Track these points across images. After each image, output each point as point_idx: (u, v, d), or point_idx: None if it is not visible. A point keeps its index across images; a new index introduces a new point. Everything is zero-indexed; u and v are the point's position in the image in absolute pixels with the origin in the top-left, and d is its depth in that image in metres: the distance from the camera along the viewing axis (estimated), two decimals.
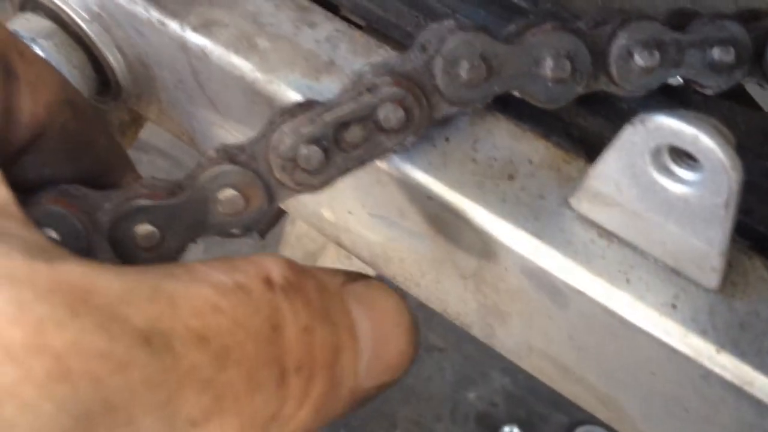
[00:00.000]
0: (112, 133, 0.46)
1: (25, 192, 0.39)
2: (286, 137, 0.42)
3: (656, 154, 0.40)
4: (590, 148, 0.50)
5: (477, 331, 0.55)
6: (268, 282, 0.31)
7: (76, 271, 0.26)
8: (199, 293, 0.29)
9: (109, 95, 0.60)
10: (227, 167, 0.41)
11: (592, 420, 1.64)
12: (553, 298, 0.47)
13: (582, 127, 0.50)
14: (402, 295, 0.37)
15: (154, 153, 1.84)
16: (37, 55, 0.40)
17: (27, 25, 0.56)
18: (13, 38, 0.38)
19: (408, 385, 1.72)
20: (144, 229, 0.40)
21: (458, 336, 1.75)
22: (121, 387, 0.25)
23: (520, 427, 1.65)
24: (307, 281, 0.32)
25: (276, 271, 0.31)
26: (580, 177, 0.46)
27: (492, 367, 1.72)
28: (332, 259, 1.29)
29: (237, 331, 0.29)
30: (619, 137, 0.40)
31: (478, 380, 1.71)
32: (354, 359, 0.33)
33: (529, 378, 1.73)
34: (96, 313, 0.26)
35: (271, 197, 0.43)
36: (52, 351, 0.24)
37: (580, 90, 0.47)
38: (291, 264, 0.32)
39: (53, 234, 0.37)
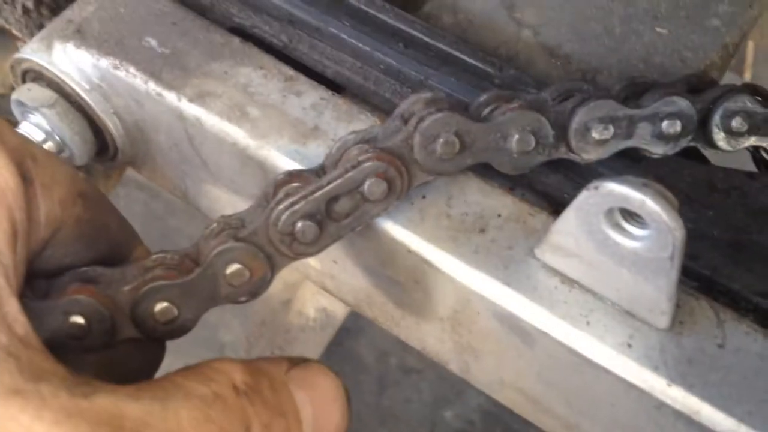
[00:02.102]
0: (119, 212, 0.50)
1: (46, 278, 0.44)
2: (283, 215, 0.47)
3: (609, 214, 0.45)
4: (552, 201, 0.56)
5: (454, 367, 0.60)
6: (236, 388, 0.38)
7: (108, 402, 0.33)
8: (194, 407, 0.36)
9: (107, 156, 0.65)
10: (232, 244, 0.46)
11: None
12: (521, 339, 0.52)
13: (544, 183, 0.55)
14: (336, 373, 0.44)
15: (131, 186, 1.88)
16: (47, 154, 0.43)
17: (30, 95, 0.60)
18: (26, 144, 0.41)
19: (386, 407, 1.77)
20: (162, 306, 0.45)
21: None
22: None
23: None
24: (261, 381, 0.39)
25: (238, 377, 0.38)
26: (544, 229, 0.51)
27: (468, 386, 1.76)
28: (311, 291, 1.33)
29: None
30: (577, 199, 0.46)
31: (455, 400, 1.76)
32: None
33: None
34: None
35: (272, 267, 0.48)
36: None
37: (542, 159, 0.53)
38: (246, 366, 0.39)
39: (80, 320, 0.42)
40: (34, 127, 0.61)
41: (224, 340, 1.83)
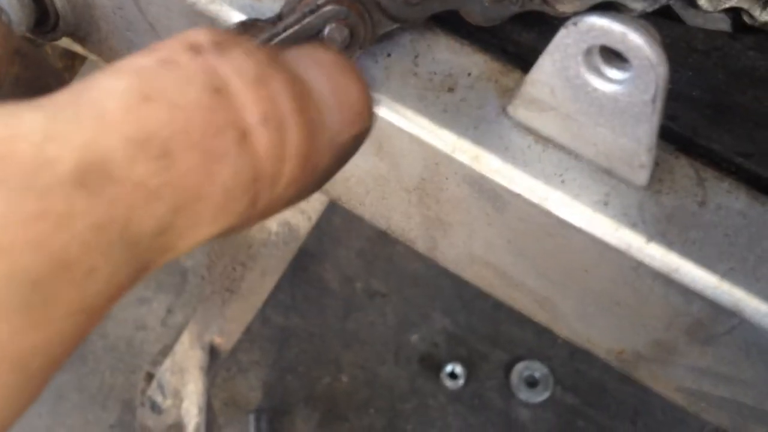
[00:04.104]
0: (61, 74, 0.45)
1: None
2: None
3: (588, 56, 0.42)
4: (525, 63, 0.52)
5: (420, 246, 0.57)
6: (195, 48, 0.27)
7: None
8: (125, 87, 0.26)
9: (48, 26, 0.60)
10: None
11: (530, 355, 1.70)
12: (492, 204, 0.49)
13: (517, 42, 0.52)
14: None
15: None
16: None
17: None
18: None
19: (351, 331, 1.75)
20: None
21: (399, 281, 1.79)
22: (68, 242, 0.24)
23: (462, 365, 1.69)
24: (240, 39, 0.29)
25: (202, 36, 0.28)
26: (517, 87, 0.48)
27: (433, 309, 1.75)
28: None
29: (175, 114, 0.26)
30: (554, 41, 0.42)
31: (420, 322, 1.75)
32: (319, 108, 0.31)
33: (469, 317, 1.78)
34: (21, 170, 0.24)
35: None
36: None
37: (515, 9, 0.49)
38: (218, 29, 0.29)
39: None
40: None
41: (186, 265, 1.80)
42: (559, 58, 0.43)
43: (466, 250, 0.54)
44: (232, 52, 0.28)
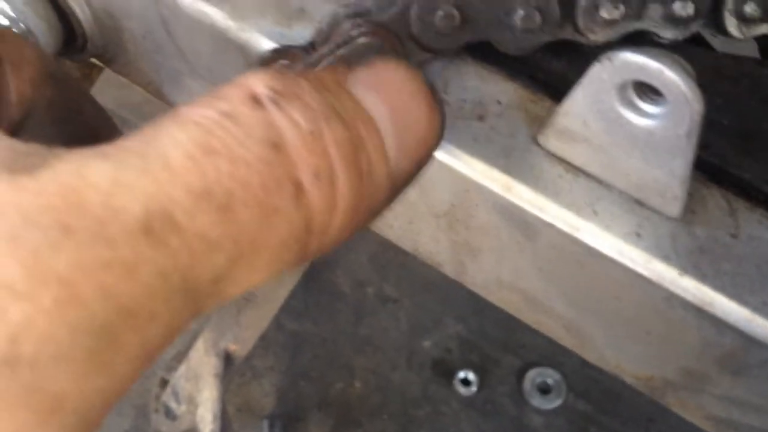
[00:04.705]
0: (94, 98, 0.46)
1: None
2: None
3: (622, 90, 0.42)
4: (554, 91, 0.52)
5: (448, 269, 0.58)
6: (255, 100, 0.28)
7: (64, 171, 0.25)
8: (188, 139, 0.26)
9: (76, 47, 0.60)
10: None
11: (543, 362, 1.70)
12: (523, 232, 0.49)
13: (546, 70, 0.52)
14: (406, 61, 0.33)
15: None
16: (14, 34, 0.39)
17: None
18: None
19: (364, 336, 1.76)
20: None
21: (412, 286, 1.79)
22: (134, 290, 0.24)
23: (475, 371, 1.69)
24: (299, 85, 0.29)
25: (261, 86, 0.28)
26: (548, 115, 0.48)
27: (445, 314, 1.75)
28: None
29: (236, 167, 0.27)
30: (587, 74, 0.43)
31: (432, 328, 1.75)
32: (378, 146, 0.31)
33: (482, 323, 1.77)
34: (91, 219, 0.24)
35: None
36: (54, 276, 0.23)
37: (546, 39, 0.49)
38: (277, 74, 0.29)
39: None
40: None
41: None
42: (593, 91, 0.43)
43: (495, 275, 0.54)
44: (289, 104, 0.28)
